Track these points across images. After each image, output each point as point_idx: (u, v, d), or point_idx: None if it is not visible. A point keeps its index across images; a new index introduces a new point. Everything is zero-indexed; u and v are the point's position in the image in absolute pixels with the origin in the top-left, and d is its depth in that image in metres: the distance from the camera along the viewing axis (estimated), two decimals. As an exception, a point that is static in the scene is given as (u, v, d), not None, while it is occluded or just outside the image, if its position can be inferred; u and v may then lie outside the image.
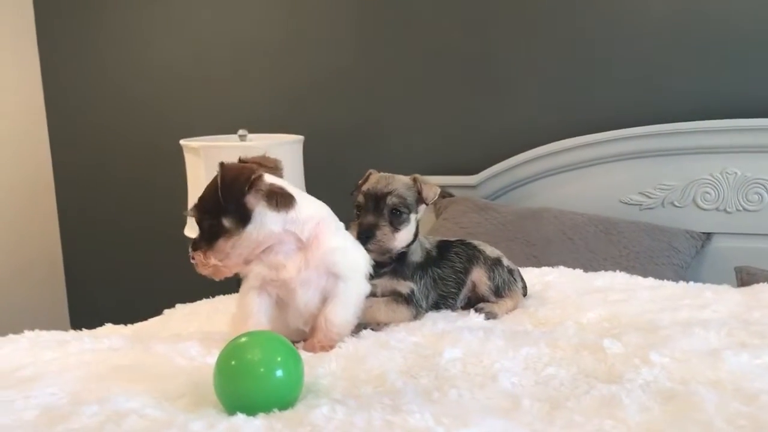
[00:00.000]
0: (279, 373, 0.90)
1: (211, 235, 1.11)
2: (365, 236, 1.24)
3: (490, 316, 1.31)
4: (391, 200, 1.28)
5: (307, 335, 1.18)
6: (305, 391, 0.93)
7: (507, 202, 2.35)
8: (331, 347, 1.12)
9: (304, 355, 1.07)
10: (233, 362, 0.90)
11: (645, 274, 1.66)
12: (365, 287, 1.19)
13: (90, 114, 2.98)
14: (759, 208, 2.06)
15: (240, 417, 0.83)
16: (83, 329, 1.36)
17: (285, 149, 2.09)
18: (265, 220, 1.11)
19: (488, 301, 1.35)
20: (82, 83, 2.97)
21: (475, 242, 1.43)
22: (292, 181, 1.99)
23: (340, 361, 1.03)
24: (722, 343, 1.03)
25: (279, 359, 0.91)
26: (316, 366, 1.01)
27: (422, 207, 1.35)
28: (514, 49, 2.31)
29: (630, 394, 0.84)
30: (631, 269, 1.76)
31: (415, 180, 1.33)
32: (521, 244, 2.05)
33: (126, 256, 3.02)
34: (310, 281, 1.14)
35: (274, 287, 1.15)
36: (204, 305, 1.52)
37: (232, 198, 1.09)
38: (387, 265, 1.29)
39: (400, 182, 1.32)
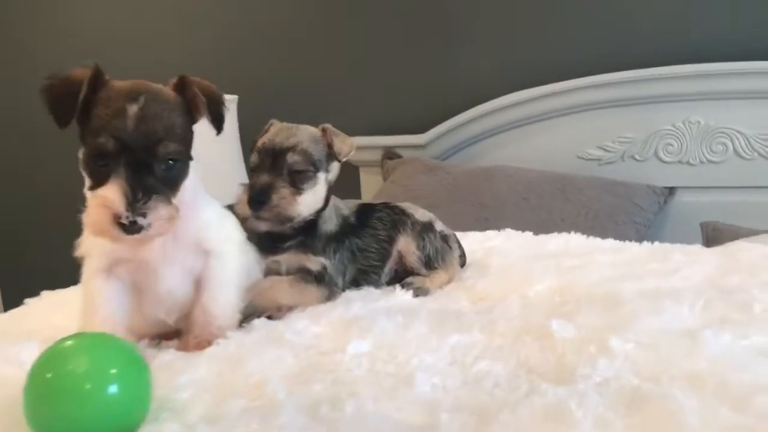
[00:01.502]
0: (112, 389, 0.66)
1: (174, 178, 0.82)
2: (258, 201, 0.99)
3: (420, 292, 1.08)
4: (292, 158, 1.02)
5: (172, 327, 0.92)
6: (156, 410, 0.69)
7: (458, 161, 2.25)
8: (210, 344, 0.87)
9: (167, 357, 0.82)
10: (48, 375, 0.66)
11: (605, 234, 1.53)
12: (242, 260, 0.95)
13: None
14: (724, 159, 1.96)
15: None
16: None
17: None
18: None
19: (418, 274, 1.12)
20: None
21: (404, 205, 1.19)
22: (227, 143, 1.68)
23: (213, 364, 0.78)
24: (698, 320, 0.81)
25: (113, 371, 0.67)
26: (179, 372, 0.76)
27: (334, 165, 1.10)
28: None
29: (583, 401, 0.61)
30: (589, 229, 1.61)
31: (324, 131, 1.08)
32: (472, 206, 1.92)
33: (35, 234, 2.78)
34: (175, 261, 0.88)
35: (126, 269, 0.88)
36: (77, 291, 1.24)
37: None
38: (292, 237, 1.05)
39: (306, 134, 1.07)
